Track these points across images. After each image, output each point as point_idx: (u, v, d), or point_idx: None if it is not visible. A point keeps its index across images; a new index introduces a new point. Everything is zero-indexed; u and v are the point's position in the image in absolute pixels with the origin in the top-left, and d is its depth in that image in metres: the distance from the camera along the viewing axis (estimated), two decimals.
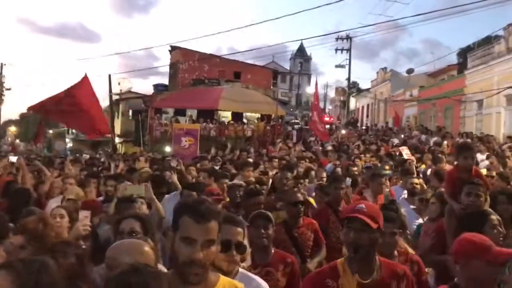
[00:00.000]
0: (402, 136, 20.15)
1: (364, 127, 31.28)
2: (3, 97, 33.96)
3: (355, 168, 8.65)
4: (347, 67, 37.68)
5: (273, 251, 3.39)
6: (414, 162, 9.37)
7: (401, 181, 7.07)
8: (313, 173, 7.70)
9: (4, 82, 33.97)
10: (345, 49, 36.94)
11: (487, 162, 9.74)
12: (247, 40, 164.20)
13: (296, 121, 36.42)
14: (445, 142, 14.58)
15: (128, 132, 31.28)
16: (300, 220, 4.36)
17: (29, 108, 9.39)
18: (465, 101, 22.96)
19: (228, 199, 5.47)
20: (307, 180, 7.10)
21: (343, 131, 24.09)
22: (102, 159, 14.88)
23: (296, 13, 24.54)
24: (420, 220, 5.10)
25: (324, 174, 7.58)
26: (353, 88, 43.71)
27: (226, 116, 27.65)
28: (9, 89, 34.95)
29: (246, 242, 2.71)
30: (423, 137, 18.85)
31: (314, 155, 12.79)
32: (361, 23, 47.23)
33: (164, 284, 1.65)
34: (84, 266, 2.65)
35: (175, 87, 32.55)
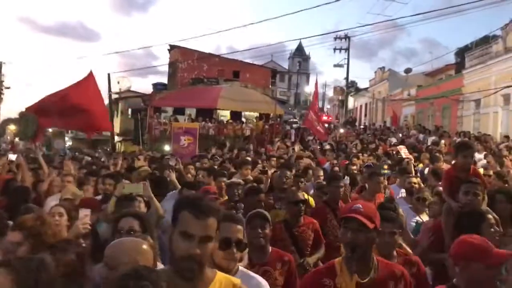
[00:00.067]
0: (400, 135, 20.21)
1: (362, 126, 31.32)
2: (2, 96, 33.94)
3: (354, 167, 8.65)
4: (345, 66, 37.84)
5: (270, 249, 3.38)
6: (413, 161, 9.38)
7: (398, 180, 7.10)
8: (310, 172, 7.71)
9: (3, 81, 33.92)
10: (343, 49, 37.07)
11: (484, 161, 9.78)
12: (246, 39, 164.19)
13: (294, 120, 36.51)
14: (443, 141, 14.59)
15: (127, 131, 31.28)
16: (301, 219, 4.36)
17: (27, 109, 9.33)
18: (463, 101, 23.01)
19: (226, 197, 5.48)
20: (305, 179, 7.10)
21: (341, 130, 24.09)
22: (102, 159, 14.88)
23: (295, 12, 24.68)
24: (418, 218, 5.11)
25: (321, 173, 7.58)
26: (351, 88, 43.83)
27: (225, 115, 27.64)
28: (8, 88, 34.95)
29: (246, 240, 2.72)
30: (421, 136, 18.91)
31: (312, 154, 12.78)
32: (359, 23, 47.48)
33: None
34: (84, 264, 2.65)
35: (174, 86, 32.54)
